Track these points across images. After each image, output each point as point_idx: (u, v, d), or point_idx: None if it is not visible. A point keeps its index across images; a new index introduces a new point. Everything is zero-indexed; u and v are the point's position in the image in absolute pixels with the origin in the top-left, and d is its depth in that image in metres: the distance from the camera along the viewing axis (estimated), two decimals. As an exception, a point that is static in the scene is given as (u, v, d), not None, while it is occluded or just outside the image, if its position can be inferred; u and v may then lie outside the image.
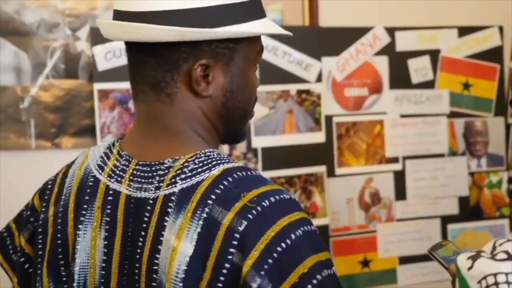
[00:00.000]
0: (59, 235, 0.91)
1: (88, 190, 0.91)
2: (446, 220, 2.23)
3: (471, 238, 2.25)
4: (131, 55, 0.91)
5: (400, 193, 2.19)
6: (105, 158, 0.93)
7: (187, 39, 0.85)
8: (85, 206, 0.90)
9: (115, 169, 0.91)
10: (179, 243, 0.81)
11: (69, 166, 0.98)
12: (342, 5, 2.12)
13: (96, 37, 1.87)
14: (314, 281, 0.79)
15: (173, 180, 0.85)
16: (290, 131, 2.07)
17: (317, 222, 2.09)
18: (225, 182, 0.83)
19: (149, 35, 0.85)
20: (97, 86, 1.89)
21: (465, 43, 2.23)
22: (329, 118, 2.11)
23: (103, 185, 0.90)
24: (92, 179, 0.92)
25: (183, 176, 0.85)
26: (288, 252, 0.79)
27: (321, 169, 2.11)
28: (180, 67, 0.87)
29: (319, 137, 2.10)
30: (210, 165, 0.85)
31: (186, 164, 0.86)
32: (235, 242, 0.80)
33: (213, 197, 0.82)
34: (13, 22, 1.85)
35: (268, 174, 2.04)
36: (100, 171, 0.92)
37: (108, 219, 0.88)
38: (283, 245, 0.79)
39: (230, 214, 0.81)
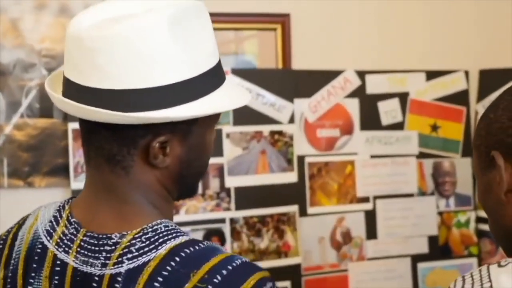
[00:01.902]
0: None
1: (36, 258, 0.89)
2: (416, 259, 2.27)
3: (441, 277, 2.28)
4: (83, 124, 0.88)
5: (371, 232, 2.23)
6: (54, 223, 0.91)
7: (147, 122, 0.83)
8: (33, 274, 0.89)
9: (64, 238, 0.88)
10: None
11: (20, 226, 0.96)
12: (314, 49, 2.19)
13: (72, 77, 1.88)
14: None
15: (119, 259, 0.83)
16: (263, 171, 2.10)
17: (289, 261, 2.10)
18: (172, 263, 0.81)
19: (106, 119, 0.82)
20: (72, 125, 1.90)
21: (432, 86, 2.30)
22: (301, 158, 2.15)
23: (51, 254, 0.88)
24: (40, 246, 0.90)
25: (129, 255, 0.82)
26: None
27: (294, 208, 2.13)
28: (137, 142, 0.85)
29: (291, 177, 2.13)
30: (157, 243, 0.83)
31: (133, 241, 0.83)
32: None
33: (160, 279, 0.80)
34: (-11, 62, 1.87)
35: (241, 214, 2.06)
36: (49, 238, 0.90)
37: None
38: None
39: None
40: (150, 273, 0.81)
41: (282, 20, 2.14)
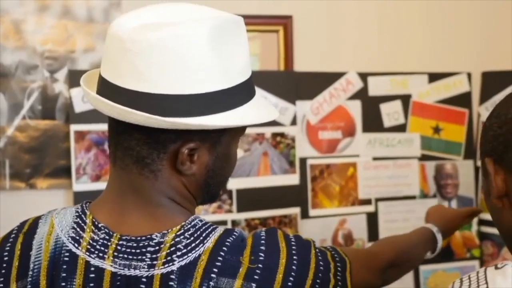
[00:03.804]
0: None
1: (65, 266, 0.87)
2: (418, 261, 2.26)
3: (443, 279, 2.28)
4: (114, 124, 0.89)
5: (373, 234, 2.22)
6: (78, 230, 0.89)
7: (181, 128, 0.85)
8: (63, 284, 0.87)
9: (95, 244, 0.88)
10: None
11: (26, 235, 0.92)
12: (316, 50, 2.18)
13: (74, 80, 1.89)
14: (323, 268, 0.93)
15: (168, 257, 0.85)
16: (264, 173, 2.10)
17: (291, 263, 2.10)
18: (222, 253, 0.86)
19: (142, 122, 0.84)
20: (74, 127, 1.90)
21: (435, 88, 2.30)
22: (303, 161, 2.15)
23: (82, 261, 0.87)
24: (67, 254, 0.88)
25: (179, 253, 0.85)
26: (298, 273, 0.89)
27: (295, 210, 2.13)
28: (167, 147, 0.87)
29: (293, 179, 2.13)
30: (201, 237, 0.87)
31: (177, 239, 0.86)
32: None
33: (215, 270, 0.85)
34: (-9, 63, 1.87)
35: (242, 216, 2.06)
36: (76, 245, 0.88)
37: None
38: (294, 273, 0.88)
39: (238, 281, 0.84)
40: (205, 266, 0.85)
41: (284, 22, 2.14)
